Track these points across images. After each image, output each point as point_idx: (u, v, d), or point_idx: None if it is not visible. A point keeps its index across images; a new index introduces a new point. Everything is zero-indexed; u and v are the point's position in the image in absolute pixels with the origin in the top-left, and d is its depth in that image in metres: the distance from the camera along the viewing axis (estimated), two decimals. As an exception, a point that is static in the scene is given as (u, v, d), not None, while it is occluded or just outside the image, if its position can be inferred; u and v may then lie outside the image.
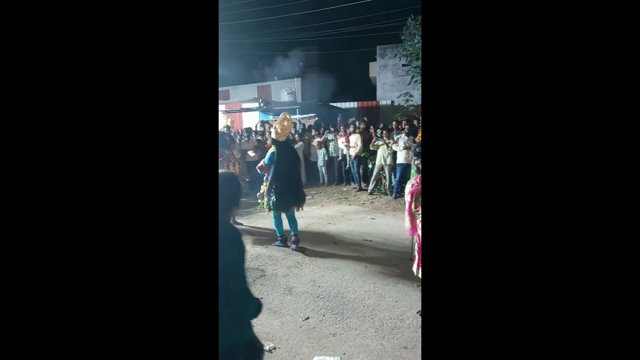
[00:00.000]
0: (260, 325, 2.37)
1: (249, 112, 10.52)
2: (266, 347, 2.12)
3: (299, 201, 3.74)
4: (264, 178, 3.89)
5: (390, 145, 6.14)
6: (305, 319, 2.45)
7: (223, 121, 8.00)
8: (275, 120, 10.31)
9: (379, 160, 6.32)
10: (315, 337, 2.23)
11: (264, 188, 3.83)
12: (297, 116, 9.93)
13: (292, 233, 3.79)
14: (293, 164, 3.76)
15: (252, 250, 3.81)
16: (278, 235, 3.89)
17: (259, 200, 3.93)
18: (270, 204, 3.64)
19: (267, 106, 10.77)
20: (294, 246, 3.76)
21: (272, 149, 3.71)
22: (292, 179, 3.70)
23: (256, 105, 10.90)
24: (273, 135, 3.68)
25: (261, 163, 3.82)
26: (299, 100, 13.38)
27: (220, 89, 16.24)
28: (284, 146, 3.69)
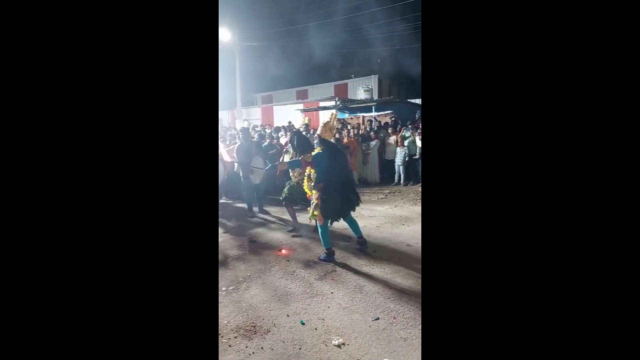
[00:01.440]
0: (330, 320, 2.42)
1: (325, 110, 10.75)
2: (335, 342, 2.16)
3: (355, 205, 3.43)
4: (311, 187, 3.46)
5: None
6: (375, 320, 2.41)
7: (301, 120, 8.33)
8: (352, 118, 10.26)
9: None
10: (385, 339, 2.19)
11: (314, 195, 3.40)
12: (373, 113, 9.81)
13: (356, 236, 3.59)
14: (343, 165, 3.46)
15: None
16: (325, 247, 3.40)
17: (308, 209, 3.49)
18: (327, 212, 3.30)
19: (343, 104, 10.86)
20: (358, 247, 3.62)
21: (318, 149, 3.42)
22: (347, 182, 3.44)
23: (332, 103, 11.08)
24: (319, 132, 3.47)
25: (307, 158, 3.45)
26: (376, 97, 13.18)
27: (298, 88, 16.94)
28: (330, 146, 3.41)
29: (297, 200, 4.22)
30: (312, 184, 3.45)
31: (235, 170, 5.70)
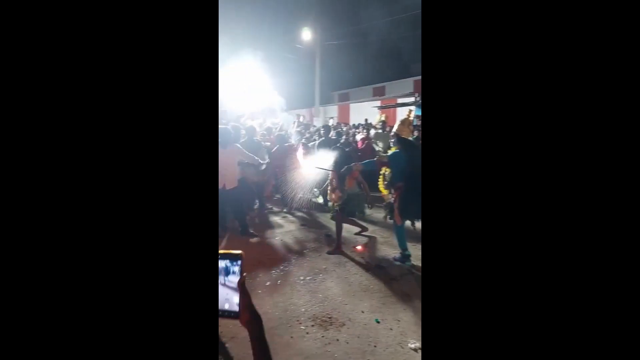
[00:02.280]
0: (405, 322, 2.36)
1: (404, 107, 10.41)
2: (412, 345, 2.10)
3: None
4: (385, 186, 3.37)
5: None
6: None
7: (377, 117, 8.22)
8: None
9: None
10: (467, 350, 2.06)
11: (390, 196, 3.29)
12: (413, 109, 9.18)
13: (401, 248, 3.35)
14: (419, 166, 3.24)
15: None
16: (401, 248, 3.32)
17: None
18: (406, 212, 3.20)
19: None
20: (398, 257, 3.37)
21: (394, 148, 3.31)
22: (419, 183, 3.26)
23: (412, 99, 10.68)
24: (396, 130, 3.32)
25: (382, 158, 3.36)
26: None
27: (375, 85, 16.70)
28: (409, 145, 3.26)
29: (354, 210, 3.91)
30: (387, 183, 3.36)
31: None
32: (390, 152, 3.36)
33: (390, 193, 3.38)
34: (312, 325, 2.33)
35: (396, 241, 3.43)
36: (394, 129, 3.44)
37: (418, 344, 2.11)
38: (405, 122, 3.43)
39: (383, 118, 8.07)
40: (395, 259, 3.40)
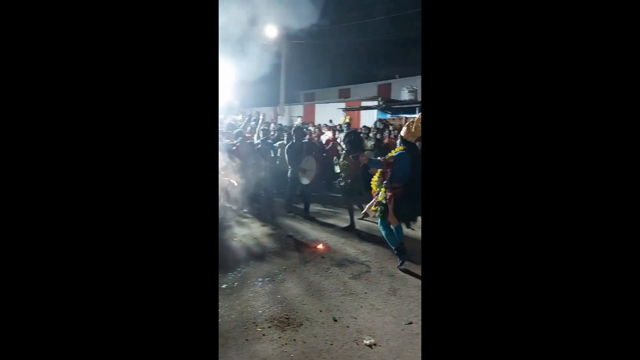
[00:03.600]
0: (362, 319, 2.43)
1: (367, 110, 10.66)
2: (367, 342, 2.16)
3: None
4: (382, 184, 3.39)
5: None
6: (408, 324, 2.38)
7: (342, 119, 8.34)
8: (394, 120, 10.02)
9: None
10: (418, 344, 2.15)
11: (383, 195, 3.32)
12: (417, 115, 9.56)
13: (394, 247, 3.38)
14: (419, 171, 3.23)
15: (360, 246, 3.90)
16: (394, 247, 3.33)
17: (373, 208, 3.43)
18: (402, 214, 3.18)
19: (386, 104, 10.69)
20: (397, 254, 3.38)
21: (400, 148, 3.25)
22: (419, 186, 3.15)
23: (375, 103, 10.95)
24: (403, 134, 3.24)
25: (389, 158, 3.29)
26: (420, 98, 12.82)
27: (341, 87, 16.93)
28: (413, 149, 3.22)
29: (357, 192, 4.38)
30: (386, 182, 3.29)
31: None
32: (395, 152, 3.27)
33: (384, 192, 3.31)
34: (269, 327, 2.32)
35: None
36: (402, 133, 3.32)
37: (373, 340, 2.17)
38: (410, 128, 3.26)
39: (348, 120, 8.21)
40: (398, 266, 3.29)
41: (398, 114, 10.37)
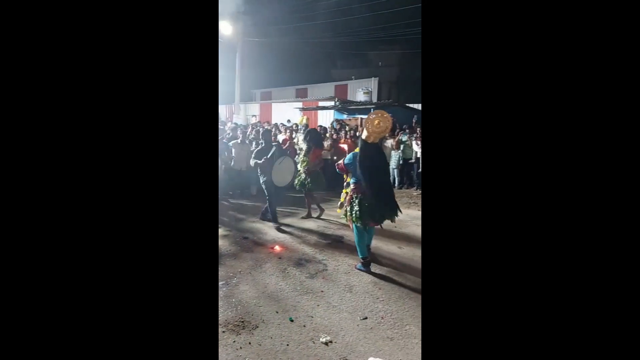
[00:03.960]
0: (318, 318, 2.44)
1: (324, 110, 10.77)
2: (323, 340, 2.18)
3: (393, 212, 3.09)
4: (344, 185, 3.40)
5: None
6: (363, 319, 2.44)
7: (299, 118, 8.34)
8: (350, 120, 10.24)
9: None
10: (372, 338, 2.22)
11: (344, 196, 3.30)
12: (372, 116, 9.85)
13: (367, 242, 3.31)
14: (382, 169, 3.19)
15: (317, 245, 3.92)
16: (360, 256, 3.21)
17: (338, 210, 3.45)
18: (355, 215, 3.08)
19: (343, 105, 10.89)
20: (359, 266, 3.26)
21: (356, 149, 3.22)
22: (383, 186, 3.09)
23: (332, 103, 11.10)
24: (363, 136, 3.10)
25: (340, 162, 3.31)
26: (375, 99, 13.24)
27: (299, 86, 16.94)
28: (371, 148, 3.08)
29: (319, 187, 4.78)
30: (345, 183, 3.28)
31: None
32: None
33: (345, 193, 3.28)
34: (224, 332, 2.25)
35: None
36: (362, 136, 3.18)
37: (329, 338, 2.19)
38: (370, 124, 3.11)
39: (305, 120, 8.23)
40: (356, 268, 3.24)
41: (354, 114, 10.61)
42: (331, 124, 9.62)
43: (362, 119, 10.26)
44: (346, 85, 16.26)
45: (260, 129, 7.40)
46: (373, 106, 10.21)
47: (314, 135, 4.89)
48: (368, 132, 3.02)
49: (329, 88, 16.08)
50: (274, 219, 4.47)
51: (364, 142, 3.07)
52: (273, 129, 8.38)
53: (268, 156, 4.28)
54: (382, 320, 2.43)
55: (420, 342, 2.19)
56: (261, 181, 4.45)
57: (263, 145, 4.56)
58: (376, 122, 2.98)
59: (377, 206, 3.04)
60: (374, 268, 3.29)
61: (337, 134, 7.72)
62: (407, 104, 11.50)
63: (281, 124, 9.25)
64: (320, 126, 8.76)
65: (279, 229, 4.37)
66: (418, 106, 11.28)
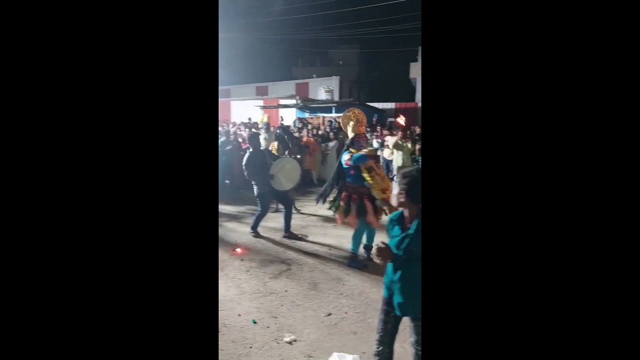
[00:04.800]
0: (282, 317, 2.42)
1: (285, 108, 10.70)
2: (287, 339, 2.16)
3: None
4: (335, 184, 3.40)
5: (407, 146, 6.16)
6: (327, 315, 2.46)
7: (260, 116, 8.20)
8: (312, 118, 10.29)
9: (397, 163, 6.28)
10: (337, 334, 2.24)
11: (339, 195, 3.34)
12: (333, 114, 9.95)
13: (368, 243, 3.38)
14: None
15: (280, 244, 3.88)
16: (353, 251, 3.27)
17: (329, 207, 3.44)
18: (361, 212, 3.20)
19: (304, 103, 10.88)
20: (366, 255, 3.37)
21: (355, 150, 3.22)
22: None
23: (293, 102, 11.05)
24: (351, 135, 3.30)
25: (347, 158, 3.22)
26: (337, 98, 13.38)
27: (259, 84, 16.66)
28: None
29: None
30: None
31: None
32: (354, 152, 3.18)
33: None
34: (183, 339, 2.15)
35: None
36: (350, 129, 3.33)
37: (293, 336, 2.18)
38: (359, 121, 3.34)
39: (266, 119, 8.10)
40: (347, 264, 3.27)
41: (316, 113, 10.66)
42: (293, 122, 9.58)
43: (324, 117, 10.33)
44: (307, 83, 16.26)
45: (244, 133, 7.15)
46: (335, 105, 10.32)
47: (290, 135, 4.85)
48: (351, 124, 3.33)
49: (290, 86, 15.97)
50: (255, 226, 4.09)
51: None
52: (235, 128, 8.17)
53: (259, 163, 3.85)
54: (346, 316, 2.46)
55: (382, 334, 2.25)
56: (255, 192, 4.02)
57: (251, 151, 3.98)
58: (354, 119, 3.34)
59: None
60: (338, 264, 3.33)
61: (300, 132, 7.71)
62: (368, 103, 11.77)
63: (241, 122, 9.03)
64: (282, 124, 8.69)
65: (253, 235, 4.06)
66: (378, 105, 11.58)
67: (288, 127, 4.93)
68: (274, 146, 5.03)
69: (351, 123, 3.37)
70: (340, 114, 10.09)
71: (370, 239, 3.40)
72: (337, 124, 9.20)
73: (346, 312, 2.50)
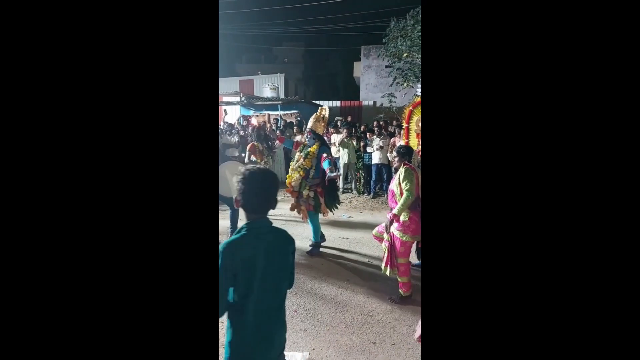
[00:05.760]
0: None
1: (229, 105, 10.35)
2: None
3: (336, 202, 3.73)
4: (310, 182, 3.46)
5: (352, 144, 6.31)
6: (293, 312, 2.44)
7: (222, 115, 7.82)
8: (257, 116, 10.13)
9: (344, 160, 6.48)
10: (299, 328, 2.23)
11: (307, 192, 3.46)
12: (279, 112, 9.87)
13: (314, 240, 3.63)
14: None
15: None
16: (315, 240, 3.62)
17: (303, 207, 3.55)
18: (328, 204, 3.57)
19: (249, 101, 10.64)
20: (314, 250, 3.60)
21: (318, 144, 3.42)
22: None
23: (237, 99, 10.74)
24: (310, 126, 3.53)
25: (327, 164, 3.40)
26: (282, 96, 13.29)
27: (201, 80, 15.84)
28: (324, 140, 3.64)
29: None
30: (309, 180, 3.41)
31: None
32: (314, 148, 3.41)
33: (308, 190, 3.42)
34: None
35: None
36: (309, 126, 3.57)
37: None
38: (319, 119, 3.55)
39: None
40: (311, 252, 3.56)
41: (261, 110, 10.47)
42: (237, 120, 9.31)
43: (269, 115, 10.20)
44: (252, 80, 15.92)
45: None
46: (280, 102, 10.24)
47: (264, 135, 5.07)
48: (318, 125, 3.51)
49: (233, 83, 15.49)
50: (233, 227, 3.93)
51: (319, 134, 3.52)
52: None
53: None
54: (295, 314, 2.47)
55: (330, 329, 2.30)
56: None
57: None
58: (321, 114, 3.55)
59: (334, 196, 3.66)
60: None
61: (245, 130, 7.52)
62: (313, 101, 11.88)
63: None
64: (226, 122, 8.39)
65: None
66: (323, 103, 11.74)
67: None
68: (258, 147, 4.87)
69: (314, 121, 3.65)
70: (286, 112, 10.08)
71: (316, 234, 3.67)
72: (283, 121, 9.14)
73: (295, 311, 2.51)
